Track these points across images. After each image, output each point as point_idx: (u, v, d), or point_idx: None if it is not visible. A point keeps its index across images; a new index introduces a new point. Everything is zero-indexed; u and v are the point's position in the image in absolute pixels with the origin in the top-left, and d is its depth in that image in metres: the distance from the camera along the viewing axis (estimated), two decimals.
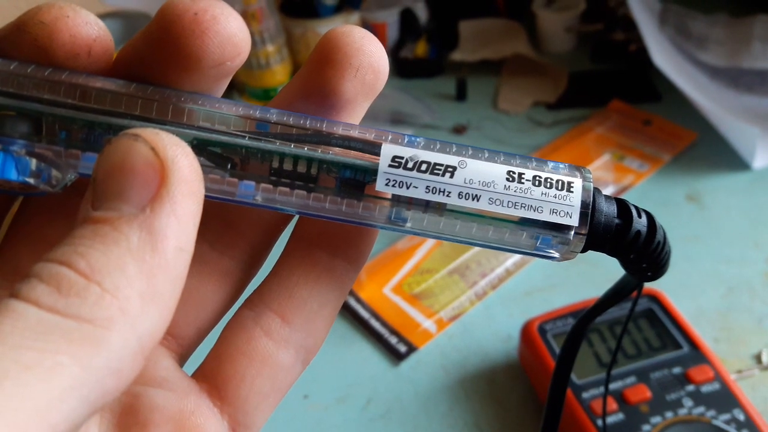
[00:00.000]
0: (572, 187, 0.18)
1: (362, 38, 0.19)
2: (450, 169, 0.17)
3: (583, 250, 0.19)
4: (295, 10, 0.95)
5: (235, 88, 0.98)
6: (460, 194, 0.17)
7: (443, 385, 0.58)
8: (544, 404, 0.53)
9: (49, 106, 0.17)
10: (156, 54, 0.17)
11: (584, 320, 0.26)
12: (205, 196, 0.16)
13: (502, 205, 0.17)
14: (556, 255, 0.19)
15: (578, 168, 0.19)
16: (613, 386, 0.49)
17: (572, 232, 0.18)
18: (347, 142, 0.18)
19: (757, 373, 0.55)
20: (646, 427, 0.47)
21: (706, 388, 0.49)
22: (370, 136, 0.18)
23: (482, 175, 0.17)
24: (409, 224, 0.18)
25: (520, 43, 0.98)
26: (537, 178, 0.18)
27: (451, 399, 0.56)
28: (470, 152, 0.18)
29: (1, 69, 0.17)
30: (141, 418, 0.19)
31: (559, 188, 0.18)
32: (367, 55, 0.19)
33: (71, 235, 0.14)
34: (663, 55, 0.81)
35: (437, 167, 0.17)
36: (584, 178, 0.18)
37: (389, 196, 0.18)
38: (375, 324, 0.63)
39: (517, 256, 0.67)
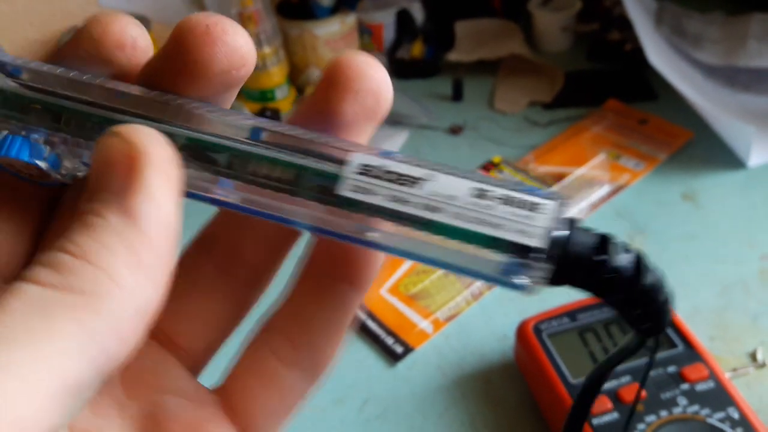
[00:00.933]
0: (540, 208, 0.17)
1: (364, 63, 0.19)
2: (416, 181, 0.17)
3: (556, 283, 0.18)
4: (292, 11, 0.95)
5: None
6: (422, 205, 0.17)
7: (439, 386, 0.58)
8: (539, 404, 0.54)
9: (68, 101, 0.19)
10: (170, 63, 0.19)
11: (591, 385, 0.25)
12: (188, 193, 0.18)
13: (464, 220, 0.17)
14: (523, 282, 0.18)
15: (557, 193, 0.18)
16: (607, 385, 0.49)
17: (537, 256, 0.17)
18: (323, 151, 0.18)
19: (752, 371, 0.55)
20: (640, 425, 0.47)
21: (700, 387, 0.49)
22: (346, 146, 0.18)
23: (447, 188, 0.17)
24: (375, 234, 0.18)
25: (516, 42, 0.98)
26: (504, 196, 0.17)
27: (447, 399, 0.57)
28: (442, 168, 0.18)
29: (34, 68, 0.19)
30: (161, 426, 0.20)
31: (527, 209, 0.17)
32: (368, 79, 0.19)
33: (67, 228, 0.16)
34: (658, 55, 0.81)
35: (403, 178, 0.17)
36: (559, 203, 0.17)
37: (357, 206, 0.18)
38: (371, 325, 0.63)
39: None
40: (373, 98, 0.19)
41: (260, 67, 0.92)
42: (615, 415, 0.47)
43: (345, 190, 0.18)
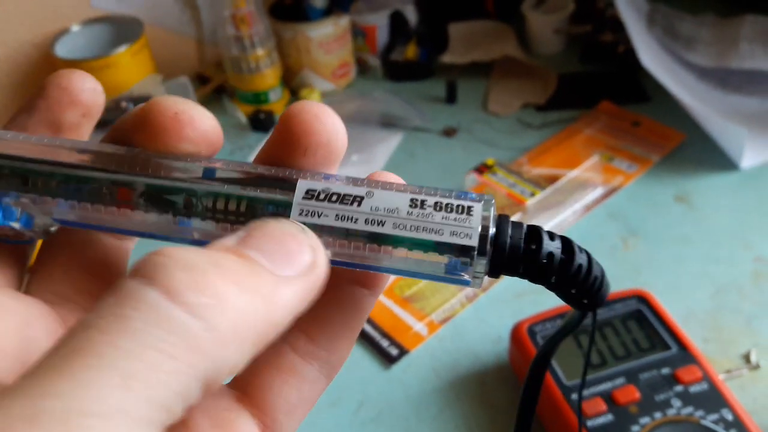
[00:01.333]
0: (472, 210, 0.19)
1: (314, 118, 0.20)
2: (358, 199, 0.19)
3: (495, 274, 0.20)
4: (285, 13, 0.95)
5: (226, 93, 0.98)
6: (366, 220, 0.19)
7: (434, 388, 0.58)
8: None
9: (34, 164, 0.20)
10: (142, 140, 0.21)
11: (541, 358, 0.26)
12: (149, 235, 0.20)
13: (406, 229, 0.19)
14: (467, 278, 0.20)
15: (482, 196, 0.20)
16: (602, 387, 0.49)
17: (474, 253, 0.19)
18: (270, 181, 0.20)
19: (746, 373, 0.55)
20: (635, 427, 0.47)
21: (694, 389, 0.49)
22: (291, 174, 0.20)
23: (387, 203, 0.19)
24: (329, 252, 0.20)
25: (509, 45, 0.98)
26: (438, 204, 0.19)
27: (441, 401, 0.57)
28: (379, 185, 0.20)
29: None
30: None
31: (459, 212, 0.19)
32: (317, 134, 0.20)
33: (211, 248, 0.16)
34: (651, 56, 0.81)
35: (346, 197, 0.19)
36: (486, 204, 0.19)
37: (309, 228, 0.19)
38: (366, 327, 0.63)
39: None
40: (324, 150, 0.21)
41: (253, 70, 0.92)
42: (609, 417, 0.48)
43: (295, 215, 0.19)
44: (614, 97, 0.88)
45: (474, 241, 0.19)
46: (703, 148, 0.79)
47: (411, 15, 1.00)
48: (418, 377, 0.59)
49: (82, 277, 0.22)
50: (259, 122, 0.92)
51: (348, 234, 0.19)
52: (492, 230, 0.19)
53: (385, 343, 0.61)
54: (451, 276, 0.20)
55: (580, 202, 0.73)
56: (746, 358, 0.57)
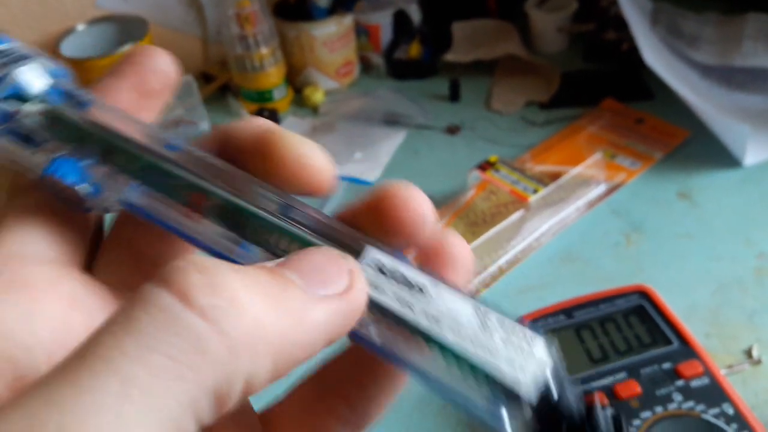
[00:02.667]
0: (536, 343, 0.17)
1: (408, 210, 0.19)
2: (420, 287, 0.18)
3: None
4: (289, 12, 0.96)
5: (230, 91, 0.99)
6: (423, 312, 0.18)
7: None
8: None
9: (120, 140, 0.20)
10: (248, 159, 0.20)
11: None
12: (206, 247, 0.19)
13: (460, 336, 0.17)
14: (504, 426, 0.17)
15: (542, 335, 0.18)
16: (603, 382, 0.50)
17: (525, 402, 0.17)
18: (341, 237, 0.19)
19: (747, 368, 0.56)
20: (636, 422, 0.47)
21: (695, 383, 0.49)
22: (362, 239, 0.19)
23: (449, 301, 0.18)
24: (371, 329, 0.18)
25: (512, 43, 0.98)
26: (501, 322, 0.18)
27: None
28: (444, 281, 0.18)
29: (99, 104, 0.21)
30: None
31: (523, 341, 0.17)
32: (403, 225, 0.19)
33: (245, 265, 0.16)
34: (654, 54, 0.81)
35: (410, 282, 0.18)
36: (548, 343, 0.18)
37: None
38: None
39: (511, 254, 0.68)
40: (401, 241, 0.20)
41: (258, 68, 0.93)
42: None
43: None
44: (618, 95, 0.88)
45: (530, 391, 0.17)
46: (706, 145, 0.79)
47: (414, 14, 1.01)
48: None
49: (152, 270, 0.21)
50: None
51: (397, 319, 0.18)
52: (550, 389, 0.17)
53: None
54: (487, 415, 0.17)
55: (583, 198, 0.73)
56: (748, 353, 0.57)
